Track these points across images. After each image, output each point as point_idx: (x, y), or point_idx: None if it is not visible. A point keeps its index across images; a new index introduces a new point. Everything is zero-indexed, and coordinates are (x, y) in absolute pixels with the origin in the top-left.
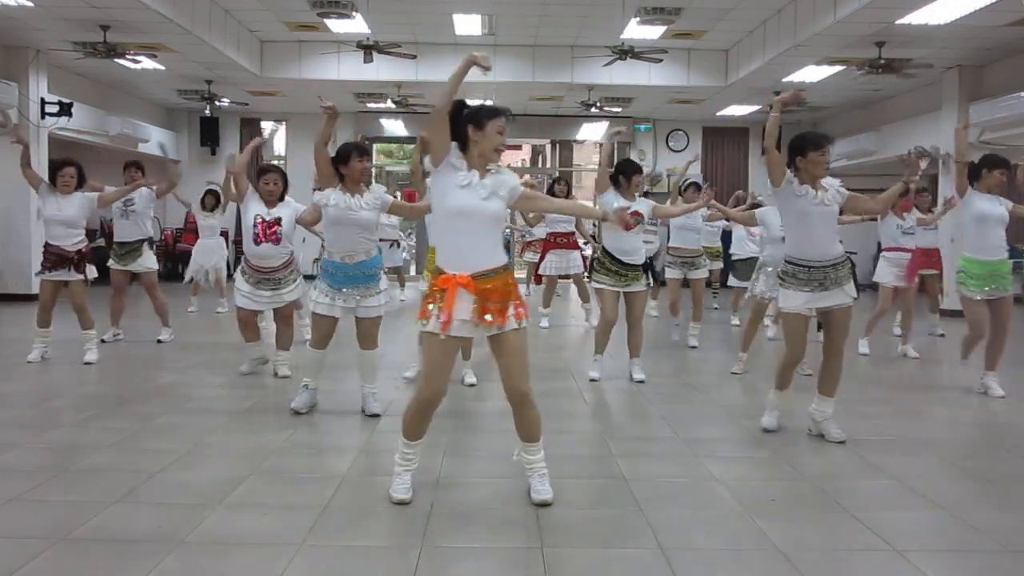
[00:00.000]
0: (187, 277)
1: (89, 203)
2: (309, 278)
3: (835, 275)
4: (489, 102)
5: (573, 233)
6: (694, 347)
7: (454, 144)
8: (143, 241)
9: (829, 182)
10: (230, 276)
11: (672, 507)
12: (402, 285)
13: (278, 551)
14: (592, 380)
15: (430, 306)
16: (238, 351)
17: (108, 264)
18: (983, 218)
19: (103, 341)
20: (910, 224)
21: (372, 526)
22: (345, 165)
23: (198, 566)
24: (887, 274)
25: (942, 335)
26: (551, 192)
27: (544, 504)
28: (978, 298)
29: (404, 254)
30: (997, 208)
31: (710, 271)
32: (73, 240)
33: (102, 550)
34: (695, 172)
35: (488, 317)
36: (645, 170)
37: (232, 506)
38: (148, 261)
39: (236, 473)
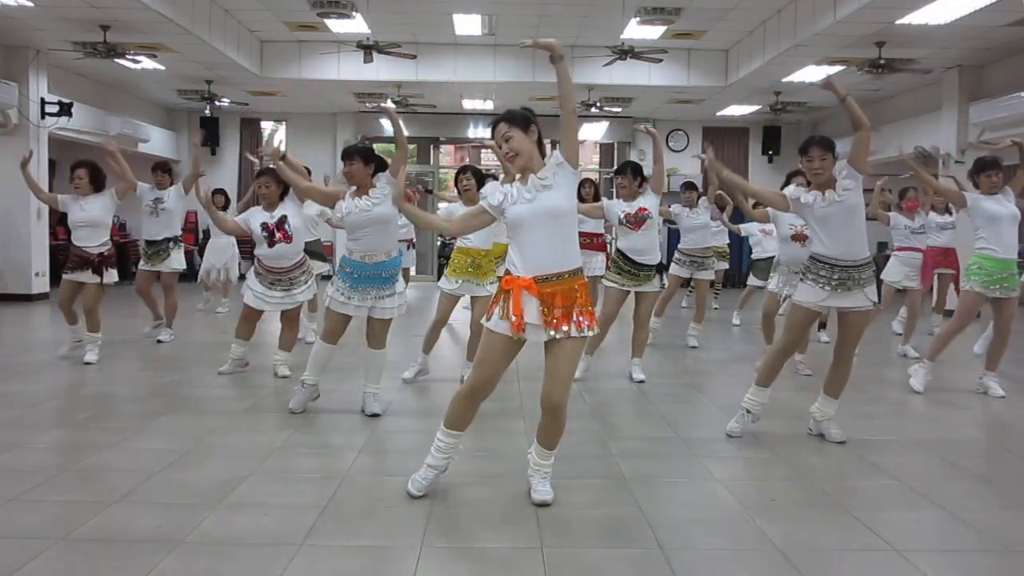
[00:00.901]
0: (200, 277)
1: (111, 199)
2: (327, 278)
3: (858, 276)
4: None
5: (601, 234)
6: (694, 347)
7: (490, 183)
8: (170, 240)
9: (837, 167)
10: (241, 276)
11: (672, 507)
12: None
13: (278, 551)
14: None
15: (496, 306)
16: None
17: (139, 265)
18: (994, 218)
19: (159, 342)
20: (919, 224)
21: (372, 526)
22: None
23: (198, 566)
24: (897, 273)
25: None
26: (579, 194)
27: (543, 504)
28: (978, 290)
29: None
30: (1007, 207)
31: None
32: (98, 241)
33: (102, 550)
34: (695, 172)
35: (553, 321)
36: (647, 171)
37: (232, 506)
38: (174, 262)
39: (236, 473)
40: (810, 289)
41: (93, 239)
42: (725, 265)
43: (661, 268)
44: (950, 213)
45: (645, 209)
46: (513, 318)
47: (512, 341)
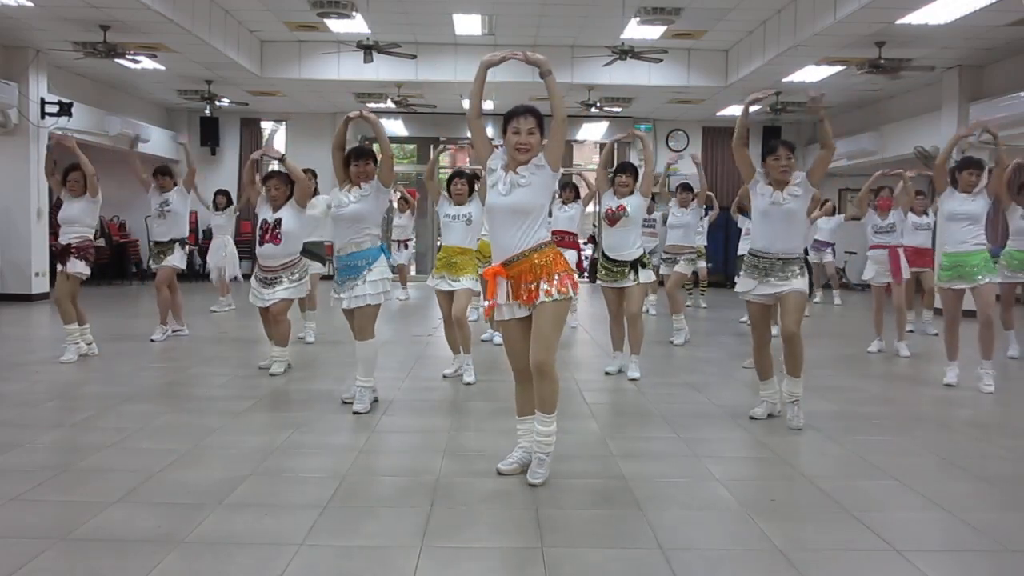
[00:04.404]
0: (213, 278)
1: (89, 205)
2: (327, 278)
3: (783, 269)
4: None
5: (575, 233)
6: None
7: (499, 149)
8: (176, 241)
9: (794, 175)
10: (246, 276)
11: (672, 507)
12: (404, 284)
13: (278, 551)
14: (606, 373)
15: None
16: (240, 349)
17: (148, 264)
18: (952, 215)
19: (152, 340)
20: (887, 223)
21: (372, 526)
22: (348, 169)
23: (198, 566)
24: (870, 271)
25: (936, 334)
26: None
27: (533, 486)
28: (944, 286)
29: (411, 252)
30: (965, 206)
31: (695, 271)
32: (68, 236)
33: (102, 550)
34: (692, 172)
35: (525, 297)
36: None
37: (232, 506)
38: (172, 259)
39: (236, 473)
40: (743, 280)
41: (67, 234)
42: (703, 264)
43: (636, 265)
44: (927, 214)
45: (623, 207)
46: (487, 303)
47: (520, 320)
